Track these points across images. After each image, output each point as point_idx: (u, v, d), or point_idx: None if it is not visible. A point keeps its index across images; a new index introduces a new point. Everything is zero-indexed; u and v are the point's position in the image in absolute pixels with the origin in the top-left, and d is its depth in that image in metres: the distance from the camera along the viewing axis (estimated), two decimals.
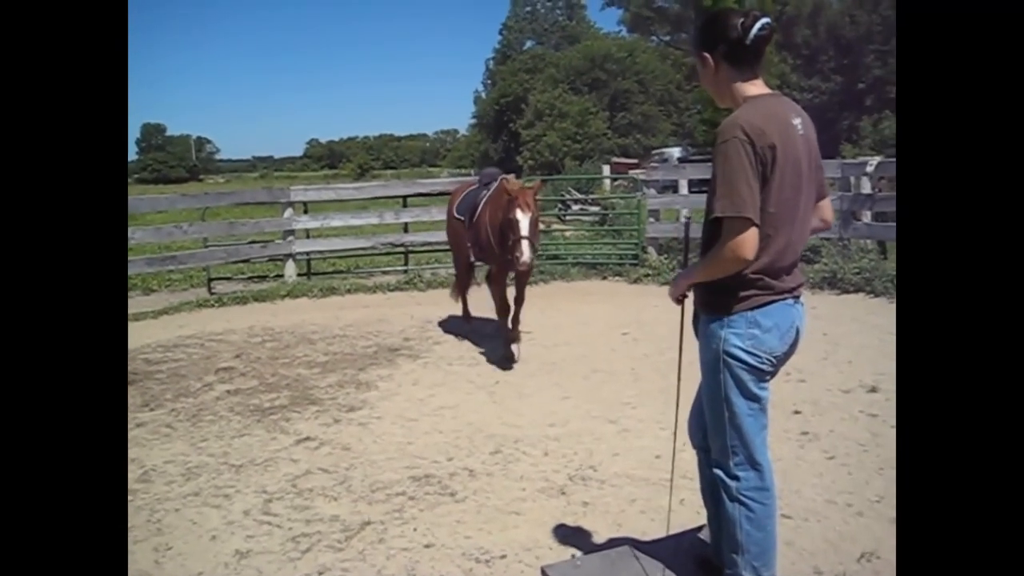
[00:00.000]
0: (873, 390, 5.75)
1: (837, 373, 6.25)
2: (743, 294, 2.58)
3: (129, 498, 4.47)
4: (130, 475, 4.81)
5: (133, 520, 4.20)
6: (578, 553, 3.63)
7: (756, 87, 2.64)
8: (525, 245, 6.25)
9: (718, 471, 2.78)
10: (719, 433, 2.73)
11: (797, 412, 5.34)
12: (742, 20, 2.58)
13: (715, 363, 2.66)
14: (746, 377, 2.62)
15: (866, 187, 10.22)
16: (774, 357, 2.65)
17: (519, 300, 7.37)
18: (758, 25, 2.56)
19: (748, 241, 2.42)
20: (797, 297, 2.71)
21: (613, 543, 3.59)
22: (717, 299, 2.63)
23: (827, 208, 2.88)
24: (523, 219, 6.26)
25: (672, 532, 3.52)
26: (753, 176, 2.43)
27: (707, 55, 2.66)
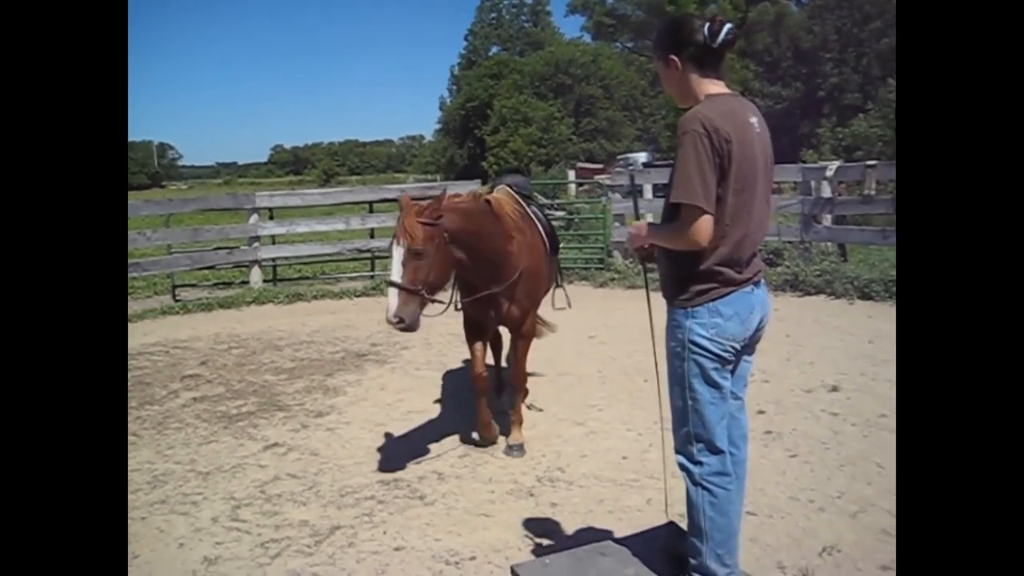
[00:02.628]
0: (834, 389, 5.87)
1: (799, 373, 6.37)
2: (705, 287, 2.70)
3: None
4: None
5: None
6: (547, 553, 3.67)
7: (717, 87, 2.77)
8: (391, 297, 4.03)
9: (680, 457, 2.88)
10: (682, 421, 2.83)
11: (761, 412, 5.43)
12: (709, 24, 2.71)
13: (680, 352, 2.76)
14: (709, 365, 2.73)
15: (826, 191, 10.41)
16: (736, 344, 2.76)
17: (516, 379, 5.20)
18: (725, 30, 2.70)
19: (702, 228, 2.56)
20: (757, 283, 2.83)
21: (581, 542, 3.63)
22: (682, 291, 2.75)
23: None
24: (395, 254, 4.04)
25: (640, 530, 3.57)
26: (709, 168, 2.55)
27: (674, 57, 2.77)
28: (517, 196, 5.08)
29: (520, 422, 5.10)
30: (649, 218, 11.95)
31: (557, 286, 5.71)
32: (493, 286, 4.61)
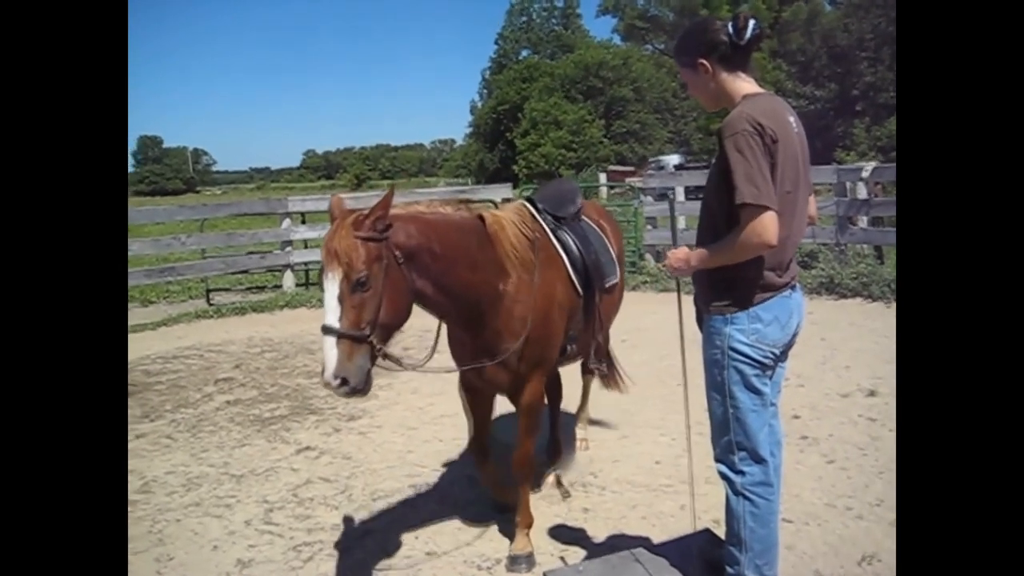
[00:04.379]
0: (871, 394, 5.76)
1: (835, 377, 6.26)
2: (745, 292, 2.64)
3: (130, 509, 4.47)
4: (131, 486, 4.82)
5: (134, 531, 4.21)
6: (580, 559, 3.64)
7: (751, 86, 2.71)
8: (327, 349, 2.77)
9: (721, 466, 2.82)
10: (723, 429, 2.77)
11: (796, 416, 5.35)
12: (733, 22, 2.66)
13: (719, 359, 2.71)
14: (749, 371, 2.67)
15: (862, 192, 10.25)
16: (776, 349, 2.71)
17: (516, 465, 3.76)
18: (752, 25, 2.65)
19: (770, 227, 2.46)
20: (794, 287, 2.78)
21: (614, 548, 3.60)
22: (720, 297, 2.69)
23: (812, 204, 2.93)
24: (328, 287, 2.80)
25: (673, 536, 3.53)
26: (765, 165, 2.48)
27: (704, 60, 2.70)
28: (535, 215, 3.80)
29: (528, 524, 3.75)
30: (681, 223, 11.93)
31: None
32: (476, 334, 3.41)
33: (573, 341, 3.85)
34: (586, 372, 4.98)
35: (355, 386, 2.77)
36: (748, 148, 2.47)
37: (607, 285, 4.08)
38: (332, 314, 2.76)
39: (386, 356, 2.94)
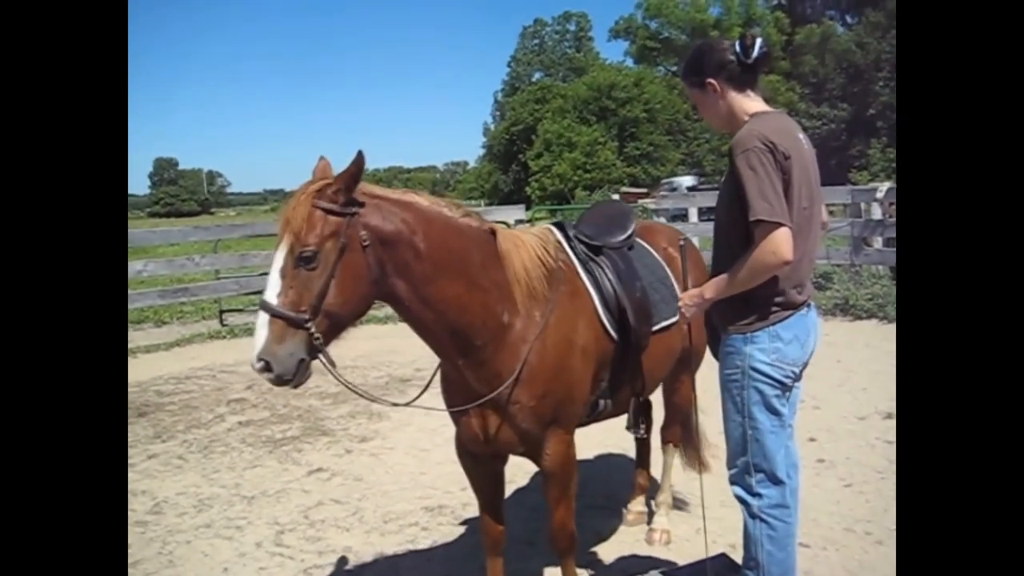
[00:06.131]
0: (889, 417, 5.68)
1: (852, 400, 6.20)
2: (765, 310, 2.61)
3: (140, 530, 4.46)
4: (142, 507, 4.80)
5: (145, 552, 4.18)
6: None
7: (760, 104, 2.72)
8: (258, 327, 2.49)
9: (737, 488, 2.77)
10: (740, 450, 2.73)
11: (812, 439, 5.28)
12: (740, 41, 2.67)
13: (739, 379, 2.67)
14: (770, 392, 2.63)
15: (876, 213, 10.20)
16: (796, 368, 2.67)
17: (554, 536, 3.28)
18: (759, 43, 2.66)
19: (784, 243, 2.42)
20: (809, 305, 2.75)
21: (629, 573, 3.55)
22: (739, 316, 2.66)
23: (823, 211, 2.92)
24: (276, 256, 2.53)
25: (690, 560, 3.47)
26: (778, 182, 2.46)
27: (712, 81, 2.70)
28: (562, 242, 3.21)
29: None
30: (696, 243, 11.89)
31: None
32: (471, 373, 2.87)
33: (608, 395, 3.24)
34: (666, 442, 4.29)
35: (279, 374, 2.47)
36: (760, 165, 2.45)
37: (657, 327, 3.34)
38: (272, 288, 2.47)
39: (324, 355, 2.57)
